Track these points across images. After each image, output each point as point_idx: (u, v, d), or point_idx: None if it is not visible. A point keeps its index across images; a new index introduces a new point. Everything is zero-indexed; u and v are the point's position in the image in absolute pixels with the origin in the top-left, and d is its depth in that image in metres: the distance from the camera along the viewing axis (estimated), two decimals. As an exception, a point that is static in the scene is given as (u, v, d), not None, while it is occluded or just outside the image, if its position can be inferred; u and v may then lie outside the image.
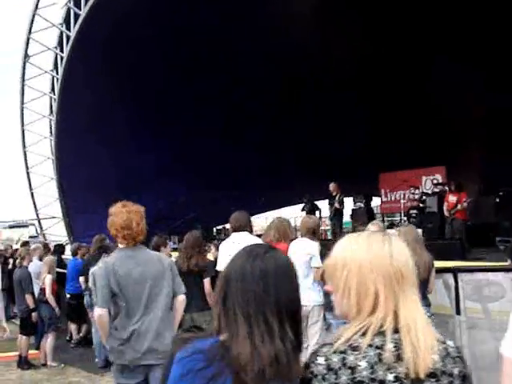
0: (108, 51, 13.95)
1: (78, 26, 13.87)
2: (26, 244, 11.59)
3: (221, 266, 5.98)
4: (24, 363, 8.50)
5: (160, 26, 13.29)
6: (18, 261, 9.50)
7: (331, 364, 1.46)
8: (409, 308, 1.48)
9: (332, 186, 13.65)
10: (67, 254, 11.59)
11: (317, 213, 14.73)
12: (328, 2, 13.35)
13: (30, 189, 19.92)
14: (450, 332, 5.86)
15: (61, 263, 10.34)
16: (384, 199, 19.11)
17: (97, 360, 8.29)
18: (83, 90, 15.63)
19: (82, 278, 8.81)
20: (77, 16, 14.04)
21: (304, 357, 1.55)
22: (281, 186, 19.77)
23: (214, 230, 20.10)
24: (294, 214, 23.22)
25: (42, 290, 8.69)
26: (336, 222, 14.05)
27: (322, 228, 18.33)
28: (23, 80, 17.87)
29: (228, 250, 5.93)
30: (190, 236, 6.47)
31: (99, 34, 13.70)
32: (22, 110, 18.76)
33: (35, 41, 16.68)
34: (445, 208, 12.01)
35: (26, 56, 17.19)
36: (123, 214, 3.87)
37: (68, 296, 9.64)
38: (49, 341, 8.59)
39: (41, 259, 9.94)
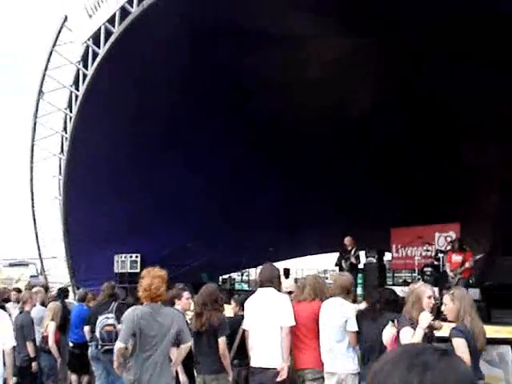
0: (124, 92, 13.78)
1: (95, 64, 13.69)
2: (30, 287, 11.05)
3: (247, 325, 5.56)
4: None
5: (180, 68, 13.13)
6: (19, 305, 8.99)
7: None
8: None
9: (348, 240, 13.14)
10: (70, 297, 11.14)
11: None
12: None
13: (35, 228, 19.47)
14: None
15: (63, 309, 9.78)
16: (395, 255, 18.63)
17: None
18: (96, 129, 15.41)
19: (87, 328, 8.21)
20: (95, 55, 13.89)
21: None
22: (290, 236, 19.30)
23: (220, 278, 19.52)
24: (301, 265, 22.81)
25: (44, 338, 8.16)
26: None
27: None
28: (36, 117, 17.70)
29: (255, 308, 5.51)
30: (203, 291, 5.94)
31: (117, 74, 13.55)
32: (33, 147, 18.51)
33: (51, 77, 16.56)
34: (448, 269, 11.49)
35: (41, 93, 17.06)
36: (148, 278, 4.89)
37: (71, 345, 8.98)
38: (47, 393, 8.02)
39: (43, 303, 9.47)
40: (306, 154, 17.46)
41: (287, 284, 6.27)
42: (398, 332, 4.55)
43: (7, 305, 9.53)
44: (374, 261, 15.47)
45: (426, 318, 4.32)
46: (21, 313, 8.49)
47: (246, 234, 18.04)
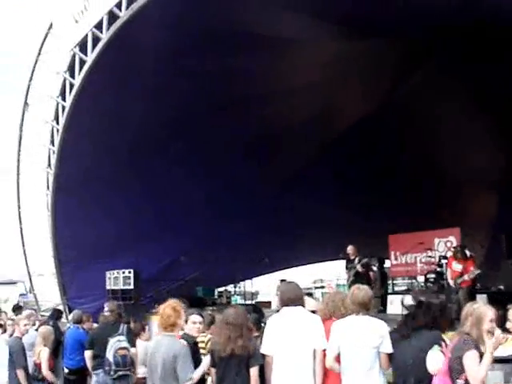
0: (114, 102, 13.34)
1: (83, 73, 13.17)
2: (19, 309, 10.41)
3: (267, 349, 4.93)
4: None
5: (171, 75, 12.71)
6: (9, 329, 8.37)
7: None
8: None
9: (351, 249, 12.69)
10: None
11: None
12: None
13: (23, 245, 18.80)
14: None
15: (56, 331, 9.10)
16: (394, 262, 18.19)
17: None
18: (84, 142, 14.93)
19: (88, 353, 7.63)
20: (82, 63, 13.38)
21: None
22: (284, 245, 18.86)
23: (216, 291, 18.97)
24: (297, 275, 22.30)
25: (37, 366, 7.55)
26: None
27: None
28: (21, 130, 17.13)
29: (280, 329, 4.87)
30: (234, 312, 5.08)
31: (105, 82, 13.07)
32: (19, 162, 17.93)
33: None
34: (449, 276, 11.03)
35: (26, 105, 16.51)
36: (163, 308, 5.03)
37: (66, 371, 8.33)
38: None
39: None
40: (299, 162, 17.18)
41: (311, 302, 5.50)
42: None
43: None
44: (375, 269, 15.13)
45: (498, 342, 3.77)
46: (10, 337, 7.89)
47: (240, 245, 17.60)
